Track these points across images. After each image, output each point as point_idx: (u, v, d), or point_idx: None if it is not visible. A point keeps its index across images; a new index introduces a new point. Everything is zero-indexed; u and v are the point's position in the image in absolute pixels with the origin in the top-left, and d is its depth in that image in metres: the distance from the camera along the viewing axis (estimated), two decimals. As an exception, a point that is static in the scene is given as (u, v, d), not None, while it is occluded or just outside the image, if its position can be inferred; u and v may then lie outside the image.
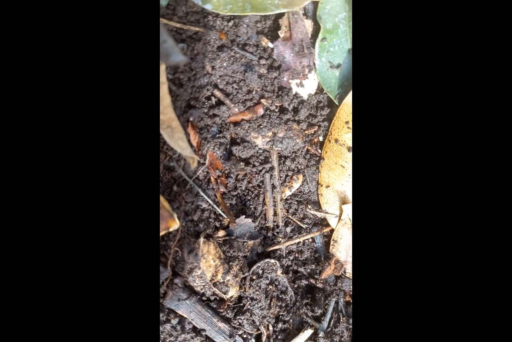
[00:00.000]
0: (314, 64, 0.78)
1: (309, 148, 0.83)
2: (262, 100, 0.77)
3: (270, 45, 0.77)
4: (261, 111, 0.77)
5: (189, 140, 0.72)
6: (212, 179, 0.76)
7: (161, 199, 0.69)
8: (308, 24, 0.78)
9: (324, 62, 0.78)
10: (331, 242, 0.81)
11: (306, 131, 0.81)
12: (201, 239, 0.71)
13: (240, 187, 0.78)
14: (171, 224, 0.68)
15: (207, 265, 0.71)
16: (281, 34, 0.76)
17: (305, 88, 0.79)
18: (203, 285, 0.72)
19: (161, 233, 0.69)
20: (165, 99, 0.63)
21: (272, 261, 0.78)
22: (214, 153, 0.76)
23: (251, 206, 0.79)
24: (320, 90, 0.82)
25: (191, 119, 0.72)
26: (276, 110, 0.79)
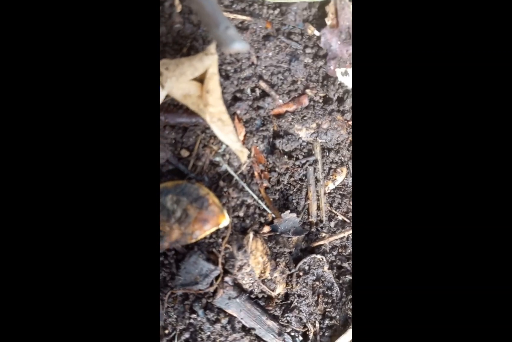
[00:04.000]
0: (361, 52, 0.76)
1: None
2: (307, 91, 0.74)
3: (316, 33, 0.74)
4: (306, 102, 0.74)
5: (235, 134, 0.70)
6: (256, 174, 0.74)
7: (211, 194, 0.67)
8: (355, 11, 0.75)
9: (370, 50, 0.75)
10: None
11: (350, 122, 0.79)
12: (250, 235, 0.68)
13: (282, 181, 0.76)
14: (221, 219, 0.66)
15: (255, 262, 0.69)
16: (328, 21, 0.73)
17: (350, 77, 0.77)
18: (252, 283, 0.70)
19: (211, 230, 0.66)
20: (216, 91, 0.61)
21: (319, 256, 0.75)
22: (258, 147, 0.73)
23: (293, 201, 0.77)
24: (365, 79, 0.79)
25: (238, 112, 0.69)
26: (321, 100, 0.76)
